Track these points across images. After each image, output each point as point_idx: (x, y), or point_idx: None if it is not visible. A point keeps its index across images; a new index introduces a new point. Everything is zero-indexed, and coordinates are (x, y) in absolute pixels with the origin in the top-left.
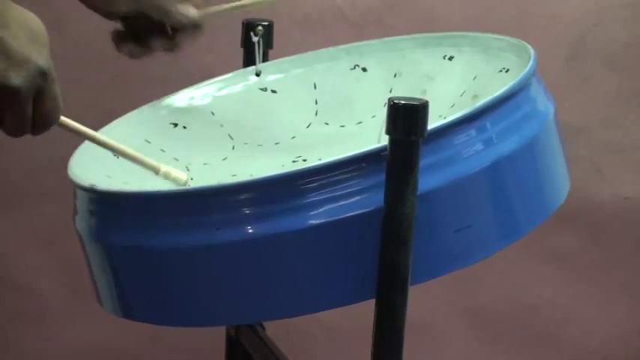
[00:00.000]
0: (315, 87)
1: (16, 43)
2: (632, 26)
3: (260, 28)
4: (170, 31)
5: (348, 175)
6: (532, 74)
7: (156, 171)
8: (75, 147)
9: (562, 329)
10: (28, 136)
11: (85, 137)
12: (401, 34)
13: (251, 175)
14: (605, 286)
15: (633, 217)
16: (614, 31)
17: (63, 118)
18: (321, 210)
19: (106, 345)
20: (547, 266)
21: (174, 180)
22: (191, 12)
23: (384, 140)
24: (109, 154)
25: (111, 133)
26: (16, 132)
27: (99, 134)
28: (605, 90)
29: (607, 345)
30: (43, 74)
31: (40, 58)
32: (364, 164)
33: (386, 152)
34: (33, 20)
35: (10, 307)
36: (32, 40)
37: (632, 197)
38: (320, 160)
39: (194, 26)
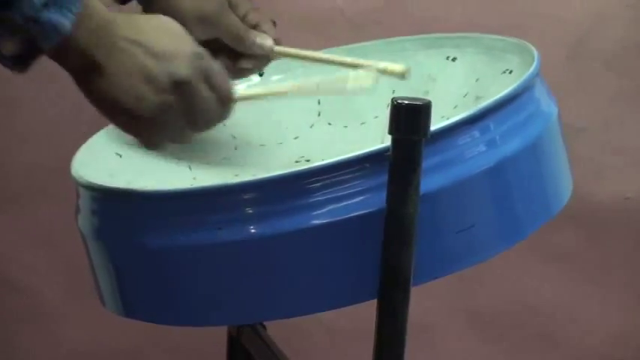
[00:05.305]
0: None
1: (160, 42)
2: (632, 26)
3: None
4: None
5: (351, 175)
6: (536, 75)
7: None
8: (75, 147)
9: (562, 329)
10: (29, 136)
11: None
12: (402, 35)
13: (253, 175)
14: (605, 285)
15: (633, 217)
16: (614, 31)
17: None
18: (324, 210)
19: (105, 345)
20: (547, 266)
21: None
22: (267, 44)
23: (387, 141)
24: (113, 152)
25: (112, 134)
26: (210, 121)
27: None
28: (605, 90)
29: (607, 345)
30: (199, 55)
31: (188, 45)
32: (367, 164)
33: (389, 152)
34: (163, 18)
35: (10, 307)
36: (170, 34)
37: (632, 197)
38: (323, 160)
39: (263, 58)
